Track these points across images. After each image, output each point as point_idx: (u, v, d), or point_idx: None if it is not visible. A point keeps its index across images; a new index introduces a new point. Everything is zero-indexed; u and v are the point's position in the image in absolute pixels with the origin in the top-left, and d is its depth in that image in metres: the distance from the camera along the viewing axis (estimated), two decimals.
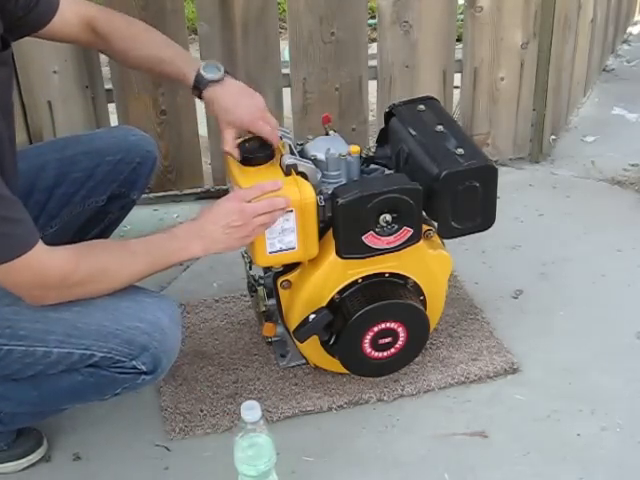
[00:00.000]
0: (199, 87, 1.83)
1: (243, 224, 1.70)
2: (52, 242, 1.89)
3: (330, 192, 1.82)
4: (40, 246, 1.52)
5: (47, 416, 1.85)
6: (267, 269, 2.00)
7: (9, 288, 1.55)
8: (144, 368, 1.64)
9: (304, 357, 2.04)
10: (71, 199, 1.94)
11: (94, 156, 1.94)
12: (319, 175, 1.87)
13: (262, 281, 2.02)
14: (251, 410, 1.60)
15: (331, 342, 1.92)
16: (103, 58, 2.62)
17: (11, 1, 1.66)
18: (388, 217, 1.80)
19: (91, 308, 1.62)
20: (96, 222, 2.01)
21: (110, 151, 1.95)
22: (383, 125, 2.07)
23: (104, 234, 2.06)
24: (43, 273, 1.54)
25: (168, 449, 1.90)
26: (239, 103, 1.83)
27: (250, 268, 2.07)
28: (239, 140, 1.84)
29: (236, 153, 1.83)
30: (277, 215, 1.74)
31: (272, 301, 1.99)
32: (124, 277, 1.63)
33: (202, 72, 1.83)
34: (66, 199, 1.94)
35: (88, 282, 1.59)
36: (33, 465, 1.87)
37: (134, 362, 1.63)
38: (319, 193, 1.81)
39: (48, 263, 1.54)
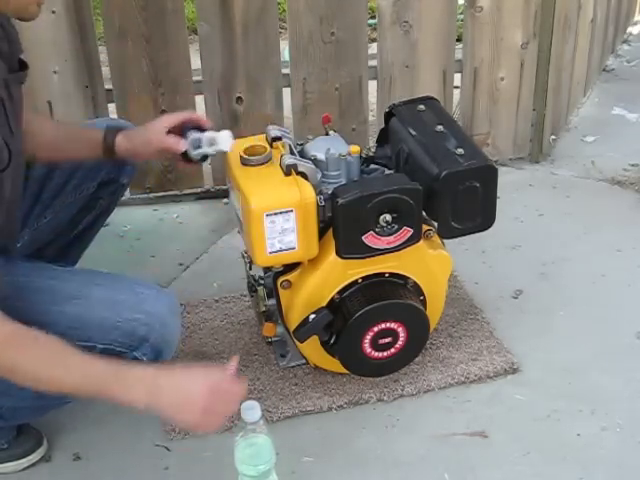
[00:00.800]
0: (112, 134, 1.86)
1: (204, 408, 1.51)
2: (47, 231, 1.94)
3: (330, 192, 1.82)
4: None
5: (48, 410, 1.84)
6: (267, 269, 2.00)
7: None
8: (145, 359, 1.65)
9: (304, 357, 2.04)
10: (63, 189, 1.97)
11: None
12: (319, 175, 1.87)
13: (262, 281, 2.02)
14: (251, 410, 1.60)
15: (331, 342, 1.92)
16: (103, 58, 2.63)
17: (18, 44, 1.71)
18: (388, 217, 1.80)
19: (91, 301, 1.64)
20: (88, 209, 2.02)
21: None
22: (383, 125, 2.08)
23: (97, 222, 2.07)
24: None
25: (168, 449, 1.90)
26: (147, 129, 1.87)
27: (250, 268, 2.07)
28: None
29: (183, 144, 1.81)
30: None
31: (272, 301, 1.99)
32: (42, 384, 1.51)
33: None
34: (58, 189, 1.96)
35: (6, 368, 1.49)
36: (33, 465, 1.87)
37: (135, 353, 1.64)
38: (319, 193, 1.81)
39: None
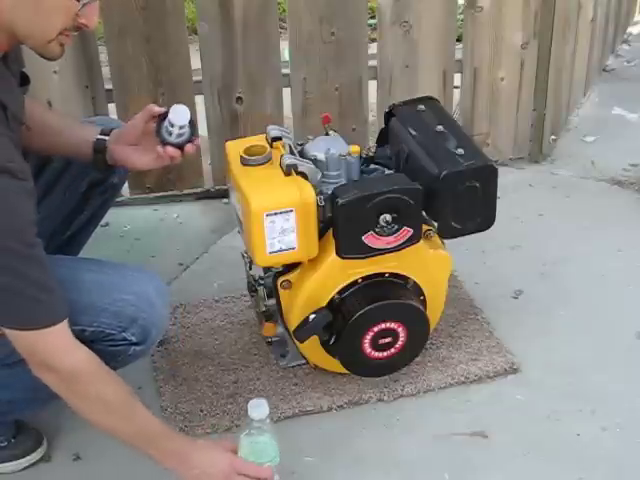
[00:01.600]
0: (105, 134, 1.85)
1: None
2: (39, 232, 1.91)
3: (330, 192, 1.82)
4: (65, 326, 1.54)
5: (45, 404, 1.83)
6: (267, 269, 2.00)
7: (22, 353, 1.56)
8: (134, 339, 1.67)
9: (304, 357, 2.04)
10: (52, 188, 1.96)
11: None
12: (319, 175, 1.87)
13: (262, 281, 2.02)
14: (258, 408, 1.60)
15: (331, 342, 1.92)
16: (103, 58, 2.63)
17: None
18: (388, 217, 1.80)
19: (79, 285, 1.64)
20: (80, 210, 2.02)
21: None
22: (383, 125, 2.08)
23: (90, 223, 2.07)
24: (58, 355, 1.55)
25: None
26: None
27: (250, 268, 2.07)
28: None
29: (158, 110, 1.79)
30: None
31: (272, 301, 1.99)
32: (108, 422, 1.63)
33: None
34: (47, 188, 1.95)
35: (85, 396, 1.59)
36: (33, 465, 1.87)
37: (124, 334, 1.66)
38: (319, 193, 1.81)
39: (68, 348, 1.55)
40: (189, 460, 1.64)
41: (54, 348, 1.54)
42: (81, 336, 1.63)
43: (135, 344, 1.68)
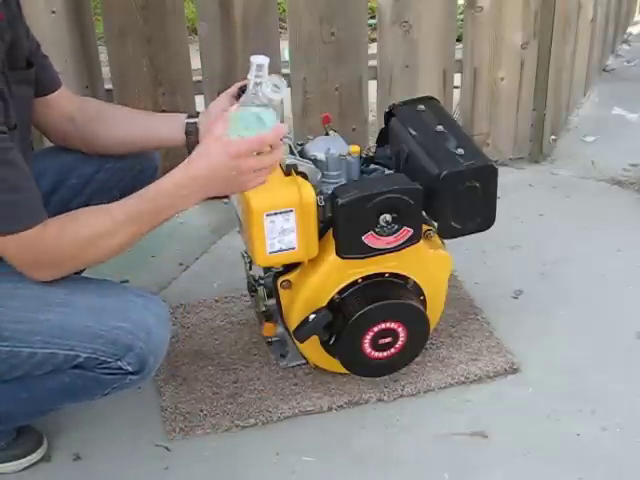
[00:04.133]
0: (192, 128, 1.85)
1: (240, 179, 1.60)
2: None
3: (330, 192, 1.82)
4: (40, 227, 1.53)
5: (45, 414, 1.84)
6: (267, 269, 2.00)
7: (6, 258, 1.55)
8: (130, 368, 1.62)
9: (304, 357, 2.04)
10: (68, 205, 1.91)
11: (93, 163, 1.93)
12: (319, 175, 1.87)
13: (262, 281, 2.02)
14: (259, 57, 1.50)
15: (331, 342, 1.92)
16: (103, 58, 2.63)
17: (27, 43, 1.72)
18: (388, 217, 1.80)
19: (75, 308, 1.60)
20: None
21: (110, 158, 1.94)
22: (383, 125, 2.08)
23: None
24: (39, 250, 1.54)
25: (168, 449, 1.90)
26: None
27: (250, 268, 2.07)
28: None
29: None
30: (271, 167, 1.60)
31: (272, 301, 1.99)
32: (114, 245, 1.60)
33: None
34: (63, 205, 1.91)
35: (79, 254, 1.58)
36: (33, 465, 1.87)
37: (120, 363, 1.61)
38: (319, 193, 1.81)
39: (45, 240, 1.54)
40: (194, 184, 1.64)
41: (33, 247, 1.54)
42: (75, 362, 1.61)
43: (131, 373, 1.63)
